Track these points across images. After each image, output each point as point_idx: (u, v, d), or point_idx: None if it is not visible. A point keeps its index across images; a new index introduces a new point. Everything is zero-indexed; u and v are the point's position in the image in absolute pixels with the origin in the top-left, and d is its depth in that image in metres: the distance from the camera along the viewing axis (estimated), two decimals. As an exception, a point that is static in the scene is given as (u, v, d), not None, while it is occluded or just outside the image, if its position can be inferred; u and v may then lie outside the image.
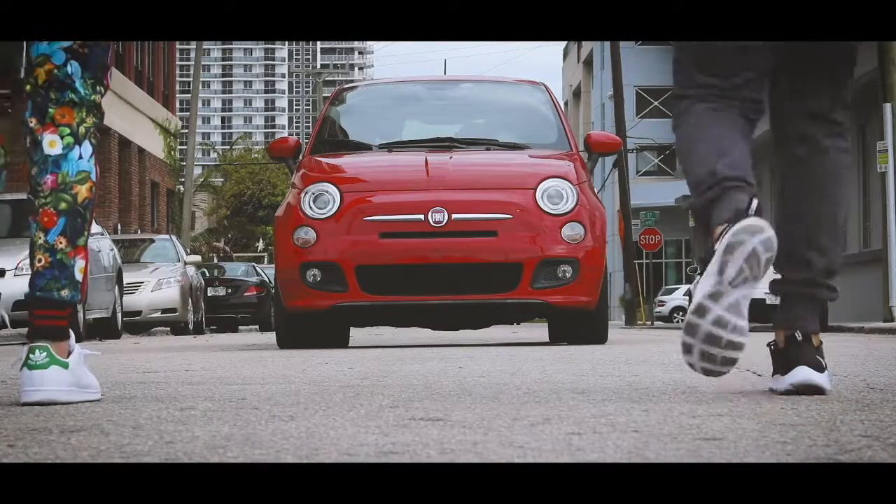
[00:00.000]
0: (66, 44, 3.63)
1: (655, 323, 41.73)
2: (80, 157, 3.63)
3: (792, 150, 3.84)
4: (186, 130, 43.93)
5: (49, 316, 3.58)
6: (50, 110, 3.64)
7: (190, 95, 43.07)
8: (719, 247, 3.43)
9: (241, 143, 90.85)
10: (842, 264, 3.89)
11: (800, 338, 3.70)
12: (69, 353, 3.59)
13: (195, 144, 45.21)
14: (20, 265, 16.00)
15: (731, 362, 3.52)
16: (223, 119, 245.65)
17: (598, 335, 10.41)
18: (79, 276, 3.62)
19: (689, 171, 3.70)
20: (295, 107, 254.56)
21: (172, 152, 45.42)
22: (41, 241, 3.59)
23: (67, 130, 3.63)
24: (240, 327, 32.67)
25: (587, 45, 70.82)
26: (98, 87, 3.69)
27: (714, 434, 2.63)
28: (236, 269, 35.35)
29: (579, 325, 10.45)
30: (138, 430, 2.83)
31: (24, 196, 19.42)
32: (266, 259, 63.92)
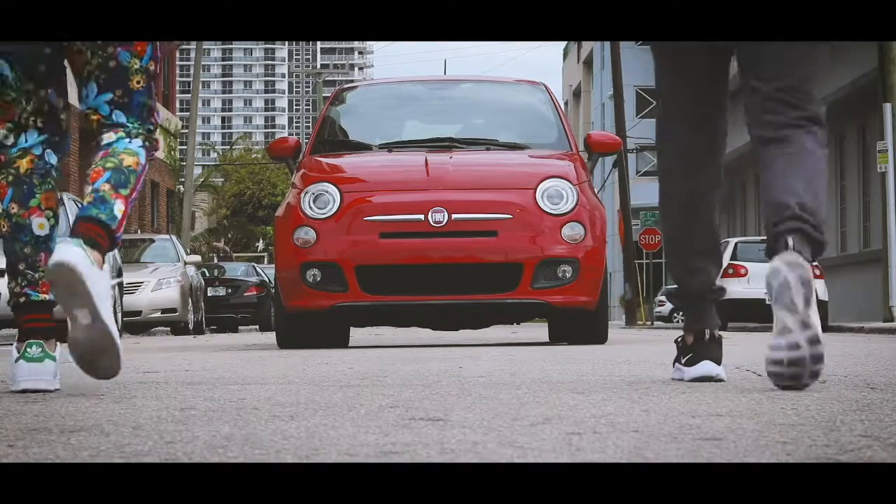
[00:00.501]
0: (107, 96, 4.19)
1: (655, 323, 41.73)
2: (130, 143, 4.15)
3: (769, 132, 4.30)
4: (186, 130, 43.92)
5: (91, 230, 3.97)
6: (103, 134, 4.19)
7: (190, 95, 43.06)
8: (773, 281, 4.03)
9: (241, 143, 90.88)
10: (825, 211, 4.36)
11: (790, 244, 4.04)
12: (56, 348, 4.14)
13: (195, 144, 45.21)
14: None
15: (818, 373, 3.96)
16: (223, 119, 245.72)
17: (598, 335, 10.41)
18: (117, 214, 4.01)
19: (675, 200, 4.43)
20: (295, 107, 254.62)
21: (172, 152, 45.42)
22: (88, 190, 4.05)
23: (123, 133, 4.18)
24: (240, 327, 32.67)
25: (587, 45, 70.83)
26: (145, 124, 4.23)
27: (714, 434, 2.63)
28: (236, 269, 35.36)
29: (579, 325, 10.45)
30: (138, 430, 2.83)
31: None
32: (266, 259, 63.92)
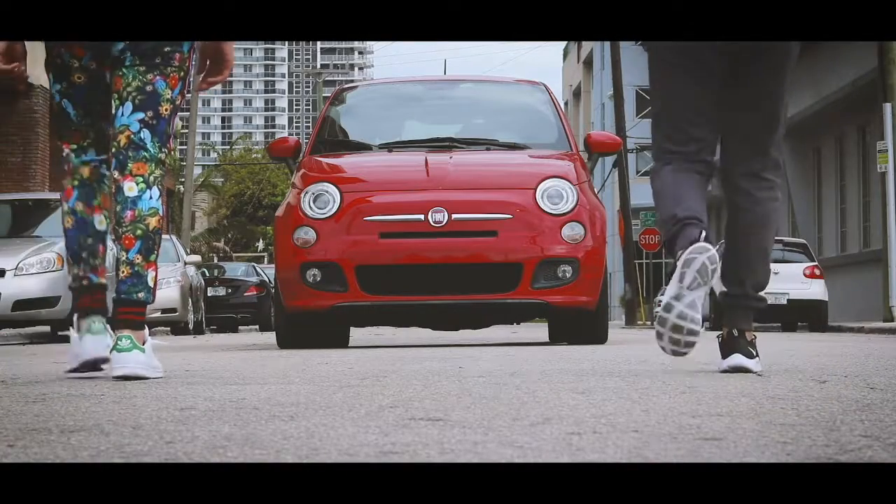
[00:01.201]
0: (140, 115, 4.92)
1: (655, 323, 41.64)
2: (151, 198, 4.93)
3: (735, 199, 5.20)
4: (186, 130, 43.84)
5: (131, 312, 4.92)
6: (129, 165, 4.91)
7: (190, 95, 43.00)
8: (679, 263, 4.80)
9: (241, 143, 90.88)
10: (767, 282, 5.28)
11: (736, 334, 5.10)
12: (144, 342, 4.88)
13: (195, 144, 45.15)
14: (20, 265, 15.99)
15: (691, 345, 4.90)
16: (223, 119, 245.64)
17: (598, 335, 10.41)
18: (151, 283, 5.01)
19: (659, 215, 5.11)
20: (295, 107, 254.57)
21: (172, 152, 45.32)
22: (123, 258, 4.97)
23: (141, 179, 4.91)
24: (240, 327, 32.67)
25: (587, 45, 70.80)
26: (163, 149, 5.01)
27: (714, 434, 2.63)
28: (236, 269, 35.34)
29: (579, 325, 10.45)
30: (138, 430, 2.83)
31: (23, 196, 19.43)
32: (266, 259, 63.91)
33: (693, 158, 5.12)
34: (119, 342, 4.82)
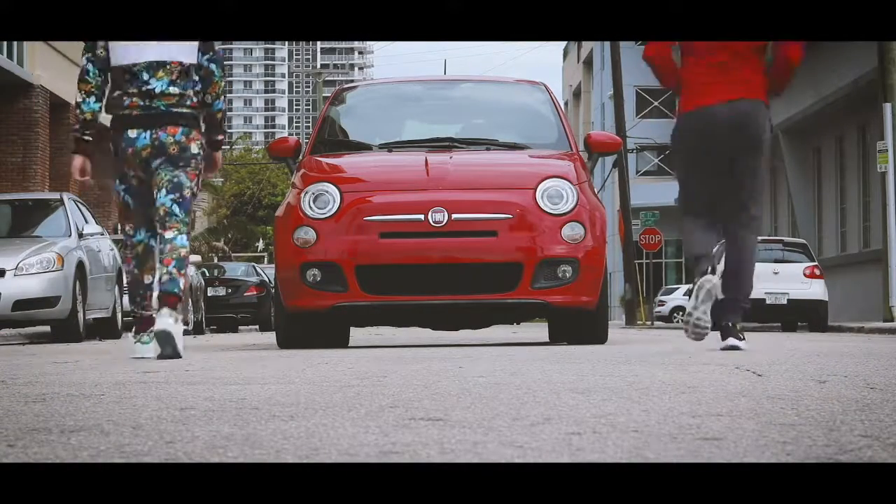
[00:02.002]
0: (171, 196, 7.81)
1: (655, 323, 41.71)
2: (181, 239, 7.74)
3: (728, 240, 8.21)
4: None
5: (170, 298, 7.52)
6: (167, 224, 7.76)
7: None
8: (696, 286, 7.88)
9: (241, 143, 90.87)
10: (751, 290, 8.21)
11: (731, 325, 8.04)
12: (177, 319, 7.50)
13: (195, 144, 45.02)
14: (20, 265, 16.00)
15: (704, 336, 7.97)
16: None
17: (598, 335, 10.41)
18: (181, 285, 7.64)
19: (686, 252, 8.27)
20: (295, 107, 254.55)
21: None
22: (164, 271, 7.64)
23: (175, 230, 7.76)
24: (240, 327, 32.67)
25: (587, 45, 70.81)
26: (187, 216, 7.85)
27: (714, 434, 2.63)
28: (236, 269, 35.32)
29: (579, 325, 10.45)
30: (138, 430, 2.83)
31: (23, 196, 19.43)
32: (266, 259, 63.91)
33: (703, 214, 8.19)
34: (161, 316, 7.48)
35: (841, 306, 29.15)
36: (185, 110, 7.77)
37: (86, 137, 7.89)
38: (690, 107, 8.03)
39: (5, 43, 27.42)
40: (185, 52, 7.71)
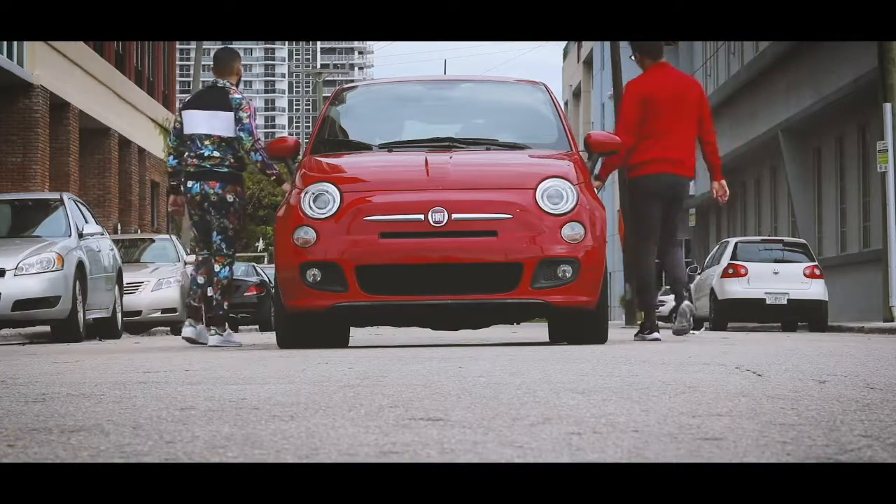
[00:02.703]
0: (220, 236, 11.22)
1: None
2: (224, 273, 11.29)
3: (664, 255, 11.87)
4: (186, 130, 43.68)
5: (217, 317, 11.21)
6: (217, 256, 11.32)
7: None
8: (677, 313, 12.17)
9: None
10: (686, 284, 12.15)
11: (677, 311, 11.80)
12: (223, 332, 11.16)
13: (195, 144, 45.01)
14: (20, 265, 16.00)
15: (687, 333, 11.91)
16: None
17: (598, 335, 10.41)
18: (226, 307, 11.21)
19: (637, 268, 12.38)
20: (295, 107, 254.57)
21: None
22: (215, 295, 11.16)
23: (221, 263, 11.32)
24: (240, 327, 32.68)
25: (587, 45, 70.80)
26: (231, 248, 11.36)
27: (714, 434, 2.63)
28: (236, 269, 35.27)
29: (579, 325, 10.45)
30: (138, 430, 2.83)
31: (23, 196, 19.42)
32: (266, 259, 63.91)
33: (650, 238, 11.86)
34: (210, 332, 11.01)
35: (841, 306, 29.16)
36: (223, 169, 11.23)
37: (173, 183, 11.46)
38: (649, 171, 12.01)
39: (5, 43, 27.41)
40: (224, 128, 11.19)
